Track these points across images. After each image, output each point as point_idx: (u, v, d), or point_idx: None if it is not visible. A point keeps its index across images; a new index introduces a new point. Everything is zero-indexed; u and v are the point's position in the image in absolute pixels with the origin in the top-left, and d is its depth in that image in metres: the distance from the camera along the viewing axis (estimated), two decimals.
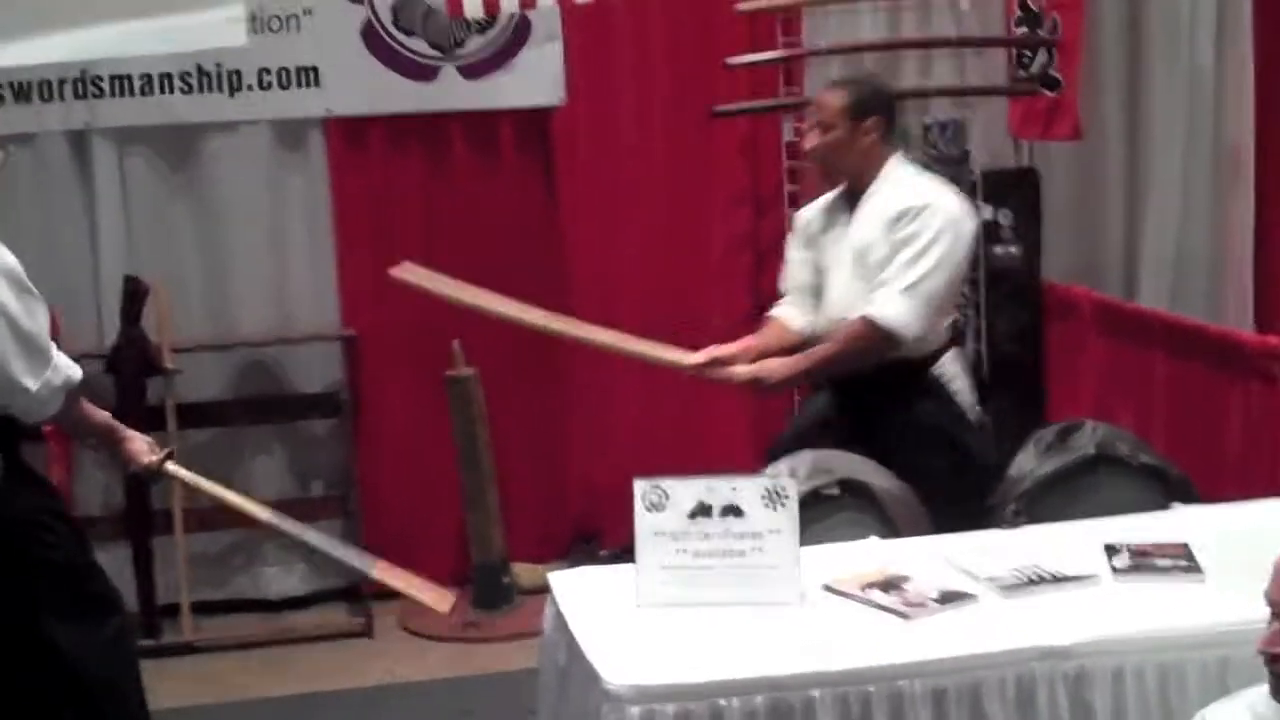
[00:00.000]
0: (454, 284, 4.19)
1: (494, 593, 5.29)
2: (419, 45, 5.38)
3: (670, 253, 5.49)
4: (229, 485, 5.43)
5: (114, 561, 5.35)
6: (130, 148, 5.37)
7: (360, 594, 5.37)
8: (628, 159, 5.45)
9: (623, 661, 2.73)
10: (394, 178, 5.45)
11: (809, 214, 4.03)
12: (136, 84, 5.27)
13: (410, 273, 4.16)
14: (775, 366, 3.80)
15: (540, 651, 3.25)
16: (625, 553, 4.00)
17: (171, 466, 3.65)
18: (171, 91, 5.29)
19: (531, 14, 5.28)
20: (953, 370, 3.90)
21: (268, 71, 5.33)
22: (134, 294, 5.18)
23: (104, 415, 3.59)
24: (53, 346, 3.37)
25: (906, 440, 3.75)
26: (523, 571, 5.35)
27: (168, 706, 4.73)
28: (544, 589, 5.10)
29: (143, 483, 5.16)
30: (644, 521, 3.03)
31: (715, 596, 2.97)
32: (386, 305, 5.38)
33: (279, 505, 5.43)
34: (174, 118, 5.32)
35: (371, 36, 5.36)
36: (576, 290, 5.43)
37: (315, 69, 5.34)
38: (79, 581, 3.44)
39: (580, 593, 3.18)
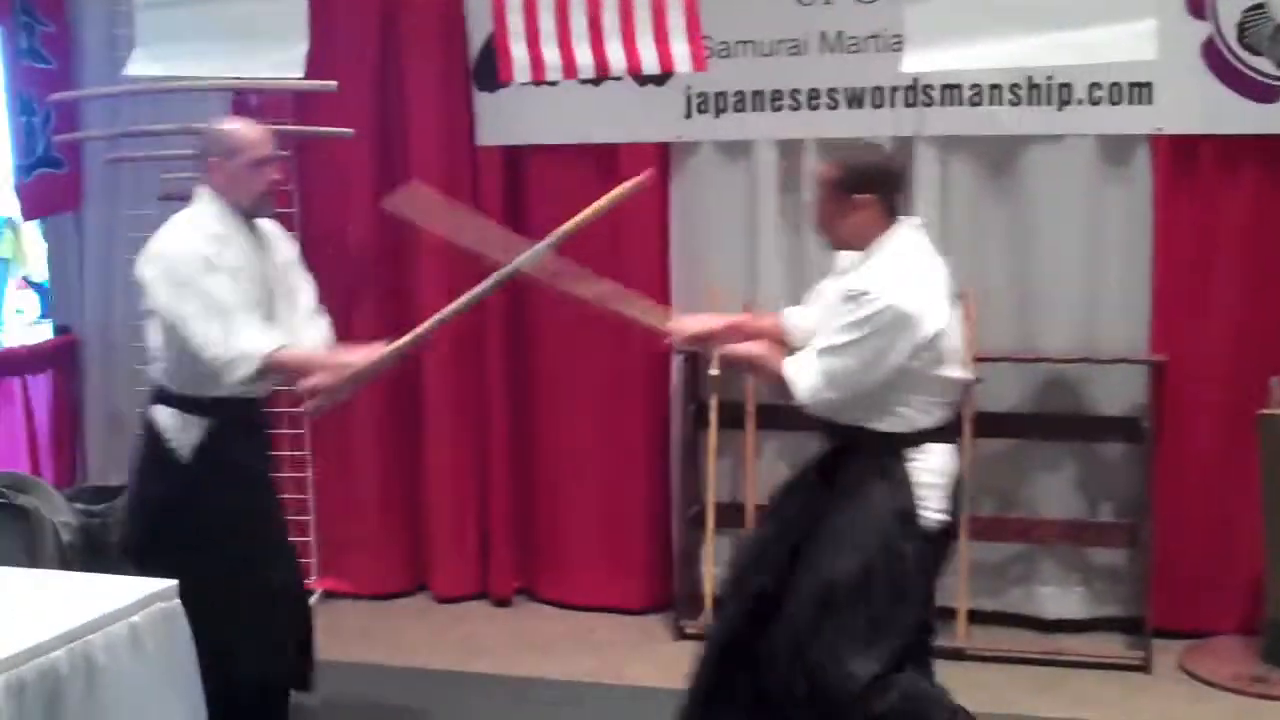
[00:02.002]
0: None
1: None
2: (1263, 64, 5.09)
3: None
4: (1016, 500, 5.50)
5: None
6: (953, 156, 5.45)
7: (1141, 626, 5.18)
8: None
9: None
10: (1223, 201, 5.20)
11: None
12: (966, 94, 5.35)
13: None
14: (770, 355, 3.81)
15: None
16: None
17: (390, 347, 4.02)
18: (1000, 103, 5.32)
19: None
20: (932, 465, 3.64)
21: (1099, 86, 5.24)
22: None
23: (306, 356, 4.05)
24: (240, 320, 3.86)
25: (844, 511, 3.67)
26: None
27: None
28: None
29: None
30: None
31: None
32: (1202, 332, 5.22)
33: (1066, 525, 5.41)
34: (1000, 128, 5.35)
35: (1212, 53, 5.13)
36: None
37: (1149, 85, 5.18)
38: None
39: None
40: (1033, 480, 5.50)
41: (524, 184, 5.92)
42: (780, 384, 3.72)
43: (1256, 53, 5.11)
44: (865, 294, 3.54)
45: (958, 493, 3.73)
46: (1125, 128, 5.26)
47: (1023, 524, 5.48)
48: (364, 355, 4.07)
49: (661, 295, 5.72)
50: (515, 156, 5.90)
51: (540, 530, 6.05)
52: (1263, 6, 5.10)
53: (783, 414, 5.60)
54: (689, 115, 5.66)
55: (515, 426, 6.01)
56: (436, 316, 4.13)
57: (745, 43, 5.56)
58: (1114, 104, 5.25)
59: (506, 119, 5.84)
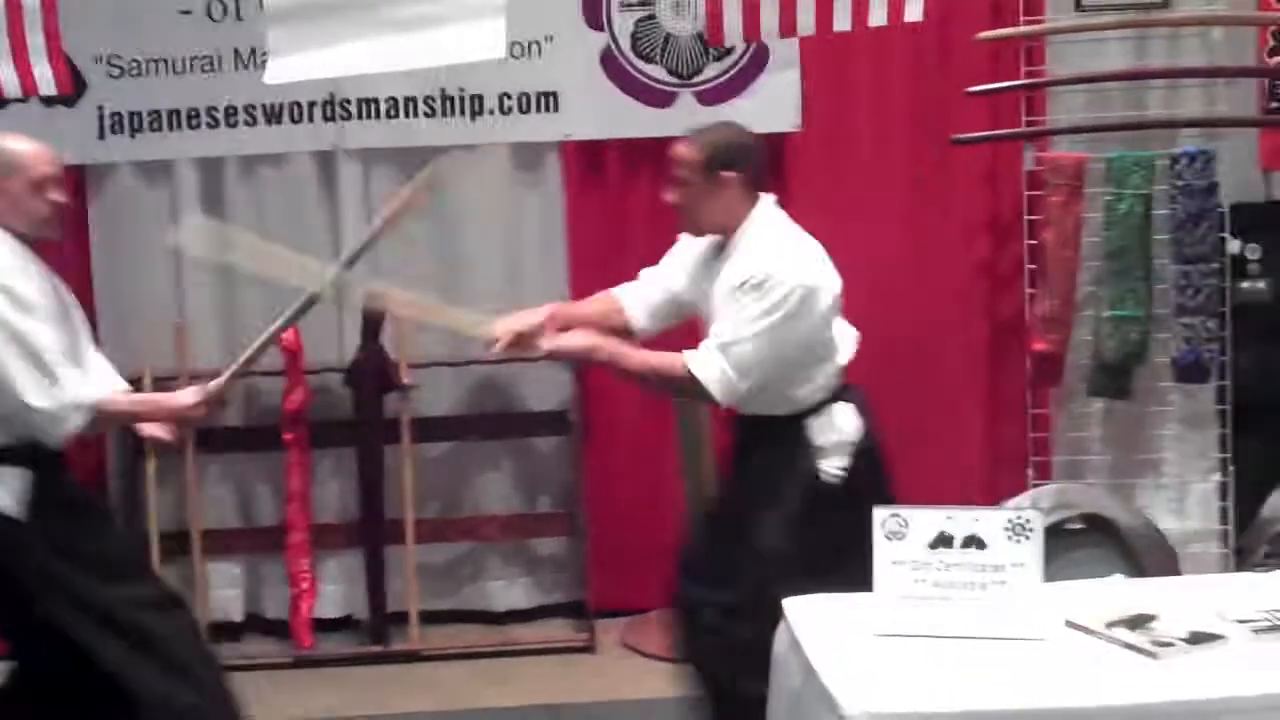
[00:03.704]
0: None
1: None
2: (657, 72, 5.44)
3: (906, 280, 5.44)
4: (459, 500, 5.64)
5: (346, 569, 5.57)
6: (374, 168, 5.52)
7: (584, 610, 5.44)
8: (864, 185, 5.44)
9: (860, 688, 2.71)
10: (628, 200, 5.51)
11: (697, 241, 3.87)
12: (383, 107, 5.44)
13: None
14: (610, 346, 3.70)
15: (772, 674, 3.24)
16: None
17: (212, 385, 3.79)
18: (415, 115, 5.44)
19: (770, 41, 5.28)
20: (831, 424, 3.68)
21: (508, 96, 5.44)
22: (374, 311, 5.33)
23: (130, 403, 3.86)
24: (64, 366, 3.52)
25: (754, 488, 3.68)
26: None
27: (392, 712, 4.88)
28: None
29: (373, 491, 5.35)
30: (883, 550, 3.00)
31: (955, 628, 2.93)
32: None
33: (507, 520, 5.60)
34: (417, 140, 5.46)
35: (610, 63, 5.43)
36: None
37: (555, 94, 5.43)
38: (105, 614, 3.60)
39: (814, 618, 3.15)
40: (474, 480, 5.65)
41: None
42: (653, 377, 3.62)
43: (650, 61, 5.45)
44: (767, 279, 3.45)
45: (868, 449, 3.69)
46: (535, 135, 5.49)
47: (467, 523, 5.61)
48: (191, 396, 3.75)
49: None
50: None
51: None
52: (653, 17, 5.44)
53: (222, 436, 5.56)
54: (102, 135, 5.45)
55: None
56: (257, 341, 3.86)
57: (157, 60, 5.42)
58: (524, 113, 5.45)
59: None
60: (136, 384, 5.33)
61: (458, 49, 4.90)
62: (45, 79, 5.14)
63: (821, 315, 3.62)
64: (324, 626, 5.51)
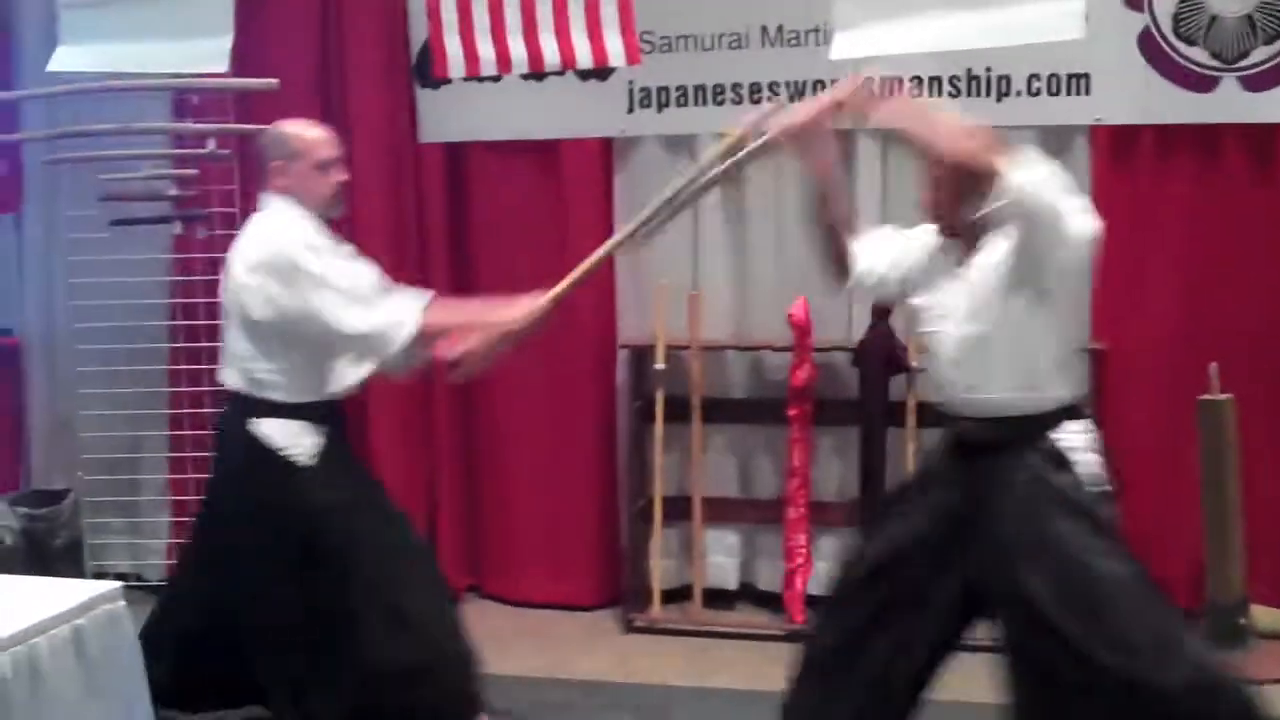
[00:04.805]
0: None
1: (1228, 633, 4.98)
2: (1199, 54, 5.15)
3: None
4: None
5: (841, 548, 5.53)
6: (892, 146, 5.45)
7: None
8: None
9: None
10: (1161, 189, 5.26)
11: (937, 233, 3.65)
12: (907, 87, 5.36)
13: None
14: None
15: None
16: None
17: (544, 298, 3.89)
18: (940, 95, 5.34)
19: None
20: (1080, 441, 3.48)
21: (1037, 78, 5.30)
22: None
23: (451, 312, 3.98)
24: (378, 294, 3.77)
25: (1032, 506, 3.40)
26: (1262, 614, 5.04)
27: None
28: None
29: (873, 473, 5.29)
30: None
31: None
32: (1142, 320, 5.26)
33: None
34: None
35: (1148, 44, 5.19)
36: None
37: (1086, 75, 5.24)
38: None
39: None
40: None
41: (466, 181, 5.91)
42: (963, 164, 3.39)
43: (1191, 43, 5.17)
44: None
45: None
46: (1064, 119, 5.31)
47: None
48: (516, 312, 3.88)
49: (607, 290, 5.74)
50: (457, 153, 5.89)
51: (489, 527, 6.02)
52: None
53: (728, 407, 5.67)
54: (631, 110, 5.67)
55: (461, 422, 5.99)
56: (595, 256, 3.99)
57: (686, 37, 5.58)
58: (1053, 95, 5.31)
59: (449, 115, 5.83)
60: (648, 350, 5.53)
61: (1034, 29, 4.78)
62: (615, 51, 5.36)
63: (1082, 266, 3.44)
64: (815, 603, 5.50)
